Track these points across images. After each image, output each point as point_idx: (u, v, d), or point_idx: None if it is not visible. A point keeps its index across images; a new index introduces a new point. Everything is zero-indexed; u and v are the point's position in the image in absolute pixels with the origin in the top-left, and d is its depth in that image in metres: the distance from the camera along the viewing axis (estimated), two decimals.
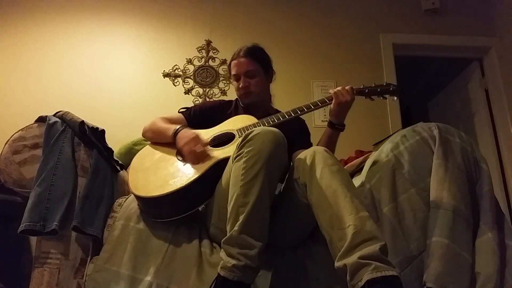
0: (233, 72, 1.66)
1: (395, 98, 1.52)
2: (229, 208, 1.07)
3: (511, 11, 3.09)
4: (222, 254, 1.04)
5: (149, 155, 1.50)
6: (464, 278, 1.04)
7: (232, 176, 1.11)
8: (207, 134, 1.49)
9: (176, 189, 1.24)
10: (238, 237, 1.01)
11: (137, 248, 1.27)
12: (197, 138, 1.38)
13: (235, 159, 1.13)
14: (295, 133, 1.60)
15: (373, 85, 1.52)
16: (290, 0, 3.15)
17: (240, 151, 1.12)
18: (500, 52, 3.12)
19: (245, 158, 1.08)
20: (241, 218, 1.03)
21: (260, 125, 1.42)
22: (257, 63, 1.64)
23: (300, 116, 1.54)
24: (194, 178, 1.26)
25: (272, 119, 1.45)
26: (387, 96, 1.52)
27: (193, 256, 1.26)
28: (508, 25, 3.11)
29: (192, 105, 1.76)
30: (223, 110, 1.68)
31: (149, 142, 1.59)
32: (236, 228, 1.02)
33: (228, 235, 1.04)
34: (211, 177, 1.29)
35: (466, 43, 3.17)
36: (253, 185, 1.05)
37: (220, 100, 1.81)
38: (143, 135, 1.62)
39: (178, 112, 1.67)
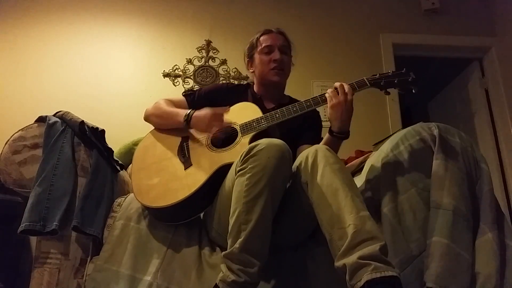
0: (265, 44, 1.56)
1: (414, 90, 1.29)
2: (231, 222, 1.06)
3: (511, 11, 3.09)
4: (223, 266, 1.04)
5: (151, 147, 1.46)
6: (464, 278, 1.04)
7: (235, 190, 1.09)
8: None
9: (178, 201, 1.23)
10: (239, 254, 1.01)
11: (137, 248, 1.27)
12: (216, 115, 1.35)
13: (238, 172, 1.10)
14: (306, 125, 1.52)
15: (390, 73, 1.31)
16: (290, 0, 3.15)
17: (243, 165, 1.08)
18: (500, 52, 3.12)
19: (249, 174, 1.05)
20: (243, 235, 1.02)
21: (264, 121, 1.35)
22: (289, 44, 1.60)
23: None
24: (195, 189, 1.23)
25: (277, 115, 1.35)
26: (405, 88, 1.31)
27: (193, 257, 1.26)
28: (508, 25, 3.11)
29: (198, 88, 1.69)
30: (231, 96, 1.55)
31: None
32: (237, 245, 1.02)
33: (229, 249, 1.04)
34: (212, 184, 1.27)
35: (466, 43, 3.17)
36: (256, 203, 1.03)
37: (228, 83, 1.69)
38: (146, 119, 1.55)
39: (182, 94, 1.60)
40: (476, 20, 3.22)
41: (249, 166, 1.06)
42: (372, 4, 3.21)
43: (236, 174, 1.11)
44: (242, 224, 1.03)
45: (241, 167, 1.09)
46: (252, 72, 1.64)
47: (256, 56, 1.59)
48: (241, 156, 1.11)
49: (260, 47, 1.57)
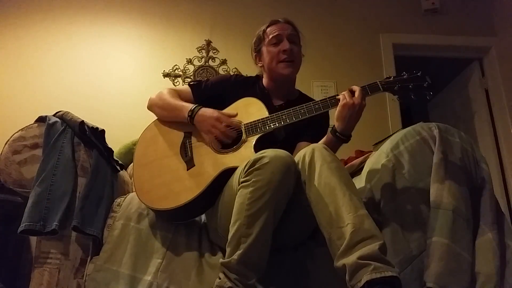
0: (272, 35, 1.47)
1: (428, 97, 1.22)
2: (231, 231, 1.05)
3: (511, 11, 3.09)
4: (220, 273, 1.04)
5: (153, 141, 1.43)
6: (464, 278, 1.04)
7: (237, 201, 1.07)
8: None
9: (179, 205, 1.23)
10: (236, 266, 1.01)
11: (137, 248, 1.27)
12: (220, 118, 1.30)
13: (241, 183, 1.07)
14: (312, 123, 1.43)
15: (405, 77, 1.24)
16: (290, 0, 3.15)
17: (247, 178, 1.06)
18: (500, 52, 3.12)
19: (252, 188, 1.03)
20: (242, 248, 1.01)
21: (270, 123, 1.30)
22: (298, 33, 1.52)
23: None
24: (197, 193, 1.23)
25: (284, 117, 1.30)
26: (420, 94, 1.22)
27: (192, 257, 1.26)
28: (508, 25, 3.11)
29: (205, 78, 1.59)
30: (238, 89, 1.50)
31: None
32: (235, 257, 1.01)
33: (227, 259, 1.03)
34: (215, 187, 1.25)
35: (466, 43, 3.17)
36: (257, 217, 1.02)
37: (236, 75, 1.61)
38: (149, 108, 1.50)
39: (188, 84, 1.54)
40: (476, 20, 3.22)
41: (253, 179, 1.04)
42: (372, 4, 3.21)
43: (239, 184, 1.09)
44: (242, 237, 1.02)
45: (244, 178, 1.07)
46: (260, 66, 1.57)
47: (264, 49, 1.50)
48: (245, 167, 1.08)
49: (267, 39, 1.49)
